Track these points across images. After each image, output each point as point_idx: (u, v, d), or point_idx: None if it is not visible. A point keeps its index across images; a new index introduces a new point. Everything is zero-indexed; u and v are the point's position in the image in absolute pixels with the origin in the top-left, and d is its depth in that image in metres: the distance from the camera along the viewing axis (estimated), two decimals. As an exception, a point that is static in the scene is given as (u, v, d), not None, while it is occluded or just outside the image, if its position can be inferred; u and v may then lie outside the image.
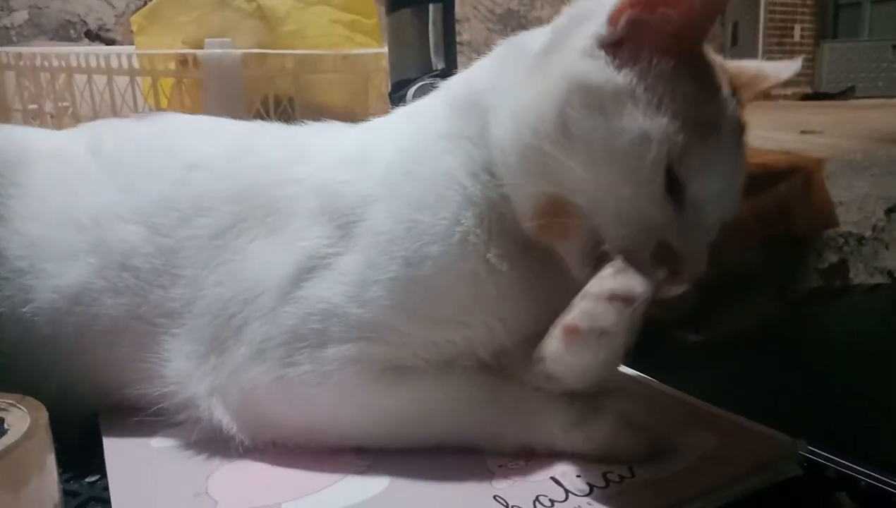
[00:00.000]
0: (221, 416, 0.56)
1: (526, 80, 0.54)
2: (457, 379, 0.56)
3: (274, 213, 0.59)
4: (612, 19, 0.50)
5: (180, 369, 0.58)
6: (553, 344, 0.49)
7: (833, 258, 1.57)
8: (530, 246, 0.55)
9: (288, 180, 0.60)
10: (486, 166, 0.55)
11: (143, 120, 0.70)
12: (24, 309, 0.59)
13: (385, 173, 0.57)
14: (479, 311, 0.55)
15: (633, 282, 0.48)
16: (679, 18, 0.49)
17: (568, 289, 0.51)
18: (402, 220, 0.54)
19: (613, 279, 0.48)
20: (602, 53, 0.50)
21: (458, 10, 1.18)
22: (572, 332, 0.48)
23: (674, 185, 0.50)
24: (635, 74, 0.49)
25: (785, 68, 0.58)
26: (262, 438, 0.56)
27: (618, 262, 0.49)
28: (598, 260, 0.50)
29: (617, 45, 0.50)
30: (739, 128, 0.53)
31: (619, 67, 0.50)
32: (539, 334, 0.52)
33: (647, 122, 0.48)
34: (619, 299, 0.48)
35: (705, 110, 0.50)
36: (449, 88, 0.62)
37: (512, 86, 0.55)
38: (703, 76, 0.51)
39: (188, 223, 0.60)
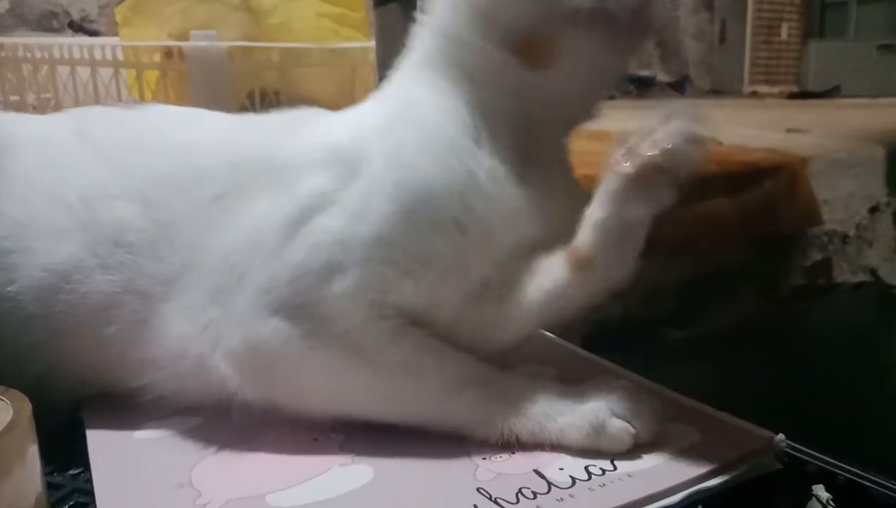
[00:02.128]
0: (225, 369, 0.56)
1: None
2: (453, 357, 0.56)
3: (274, 172, 0.59)
4: None
5: (179, 331, 0.58)
6: (616, 183, 0.53)
7: (817, 256, 1.58)
8: (524, 148, 0.58)
9: (287, 142, 0.61)
10: (449, 76, 0.59)
11: (130, 108, 0.70)
12: (8, 289, 0.59)
13: (376, 120, 0.60)
14: (478, 206, 0.56)
15: (698, 127, 0.52)
16: None
17: (572, 192, 0.58)
18: (393, 144, 0.57)
19: (685, 123, 0.51)
20: None
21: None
22: (650, 171, 0.51)
23: None
24: None
25: None
26: (261, 391, 0.55)
27: (681, 112, 0.52)
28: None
29: None
30: None
31: None
32: (546, 242, 0.57)
33: None
34: (694, 141, 0.51)
35: None
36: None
37: None
38: None
39: (186, 194, 0.60)
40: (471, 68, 0.59)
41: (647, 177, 0.51)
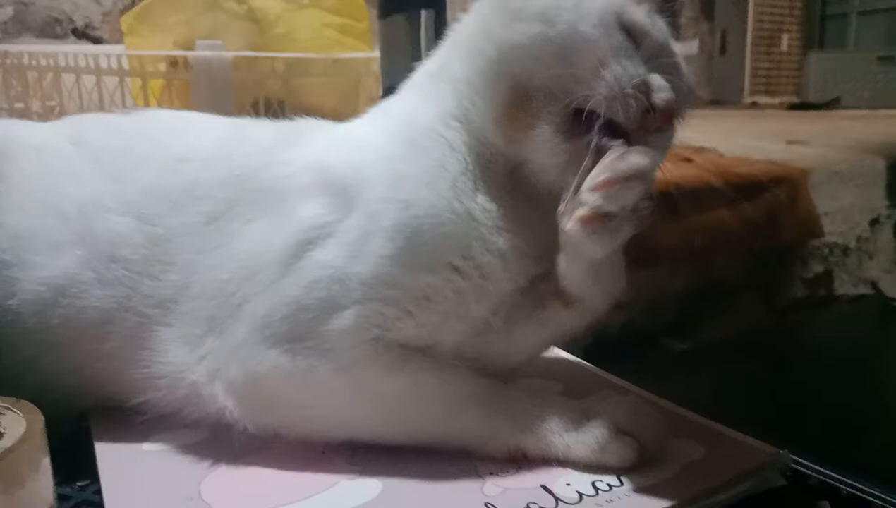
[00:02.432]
0: (224, 400, 0.56)
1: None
2: (457, 375, 0.56)
3: (268, 194, 0.59)
4: None
5: (176, 358, 0.58)
6: (569, 239, 0.52)
7: (818, 268, 1.59)
8: (517, 189, 0.57)
9: (280, 162, 0.61)
10: (456, 113, 0.59)
11: (127, 114, 0.70)
12: (9, 302, 0.59)
13: (377, 142, 0.60)
14: (475, 249, 0.56)
15: (638, 158, 0.50)
16: None
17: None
18: (394, 174, 0.57)
19: (621, 160, 0.50)
20: None
21: (448, 13, 1.19)
22: (593, 220, 0.50)
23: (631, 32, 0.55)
24: None
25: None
26: (263, 422, 0.56)
27: (616, 149, 0.51)
28: (576, 129, 0.53)
29: None
30: None
31: None
32: (540, 279, 0.57)
33: None
34: (634, 177, 0.50)
35: None
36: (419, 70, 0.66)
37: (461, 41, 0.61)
38: None
39: (180, 211, 0.60)
40: (469, 114, 0.58)
41: (595, 225, 0.51)
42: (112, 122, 0.69)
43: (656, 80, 0.53)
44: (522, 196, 0.58)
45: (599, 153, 0.51)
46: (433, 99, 0.60)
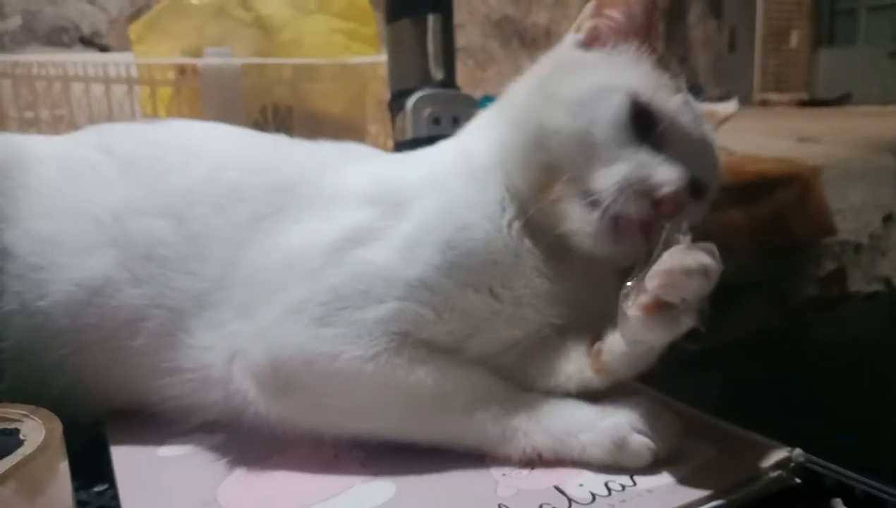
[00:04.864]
0: (240, 382, 0.56)
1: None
2: (477, 374, 0.57)
3: (323, 199, 0.61)
4: (578, 28, 0.63)
5: (200, 342, 0.59)
6: (629, 323, 0.52)
7: (831, 266, 1.58)
8: (558, 253, 0.59)
9: (339, 174, 0.63)
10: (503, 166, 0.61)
11: (153, 124, 0.71)
12: (39, 303, 0.60)
13: (438, 168, 0.63)
14: (515, 283, 0.58)
15: (703, 257, 0.49)
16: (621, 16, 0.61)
17: (595, 297, 0.58)
18: (455, 199, 0.59)
19: (686, 254, 0.50)
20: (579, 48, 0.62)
21: (454, 16, 1.20)
22: (653, 307, 0.50)
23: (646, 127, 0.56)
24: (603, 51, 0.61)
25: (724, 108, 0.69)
26: (278, 407, 0.56)
27: (686, 240, 0.51)
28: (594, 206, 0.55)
29: (587, 43, 0.62)
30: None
31: (589, 50, 0.62)
32: (561, 332, 0.59)
33: (610, 77, 0.58)
34: (696, 273, 0.49)
35: (666, 80, 0.59)
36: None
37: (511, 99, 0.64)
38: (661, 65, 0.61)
39: (222, 212, 0.61)
40: (514, 180, 0.60)
41: (656, 313, 0.50)
42: (138, 132, 0.70)
43: (662, 173, 0.55)
44: (557, 250, 0.59)
45: (668, 243, 0.51)
46: (493, 142, 0.63)
